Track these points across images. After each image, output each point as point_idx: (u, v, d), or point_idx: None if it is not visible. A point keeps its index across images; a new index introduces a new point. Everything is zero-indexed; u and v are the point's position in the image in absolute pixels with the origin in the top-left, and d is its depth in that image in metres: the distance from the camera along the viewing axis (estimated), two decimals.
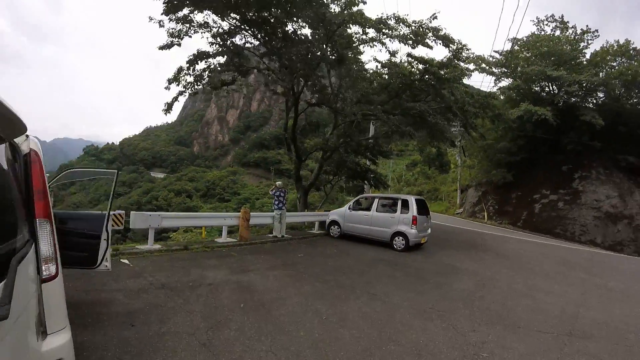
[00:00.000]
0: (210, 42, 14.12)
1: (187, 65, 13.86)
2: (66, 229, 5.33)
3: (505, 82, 32.28)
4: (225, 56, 14.45)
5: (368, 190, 29.04)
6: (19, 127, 1.98)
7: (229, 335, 5.11)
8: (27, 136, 2.68)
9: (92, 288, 6.67)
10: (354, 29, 14.56)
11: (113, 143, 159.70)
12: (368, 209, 15.15)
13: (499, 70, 31.60)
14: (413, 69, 16.08)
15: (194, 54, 14.08)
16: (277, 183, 14.28)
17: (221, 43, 14.19)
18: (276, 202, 14.06)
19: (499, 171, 32.07)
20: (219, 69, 14.45)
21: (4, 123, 1.81)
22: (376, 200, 14.97)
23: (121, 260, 8.94)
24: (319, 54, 14.04)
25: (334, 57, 14.38)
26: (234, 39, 14.43)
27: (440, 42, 14.73)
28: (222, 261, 9.55)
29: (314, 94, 16.54)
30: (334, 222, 15.98)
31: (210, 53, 14.19)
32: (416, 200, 14.23)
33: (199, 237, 15.43)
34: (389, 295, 7.65)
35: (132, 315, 5.54)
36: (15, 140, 2.47)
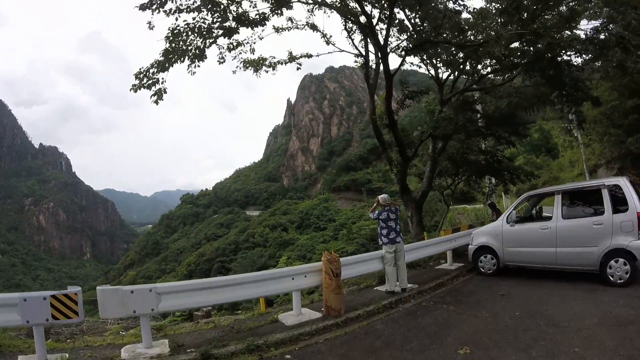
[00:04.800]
0: None
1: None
2: None
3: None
4: None
5: (492, 196, 21.59)
6: None
7: None
8: None
9: None
10: None
11: (207, 189, 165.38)
12: (545, 217, 8.83)
13: None
14: None
15: None
16: (380, 197, 7.97)
17: None
18: (384, 231, 7.77)
19: (636, 137, 23.58)
20: None
21: None
22: (558, 199, 8.26)
23: None
24: None
25: None
26: None
27: None
28: None
29: (412, 33, 10.18)
30: (483, 249, 9.39)
31: None
32: (631, 183, 7.83)
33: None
34: None
35: None
36: None
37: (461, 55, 11.25)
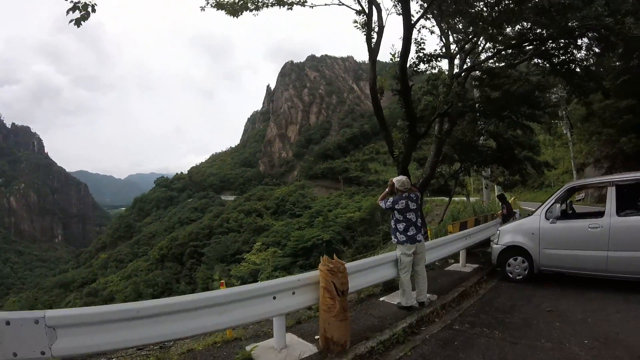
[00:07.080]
0: None
1: None
2: None
3: None
4: None
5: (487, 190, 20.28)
6: None
7: None
8: None
9: None
10: None
11: (182, 172, 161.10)
12: (595, 213, 7.20)
13: None
14: None
15: None
16: (395, 180, 5.86)
17: None
18: (400, 226, 5.69)
19: (629, 138, 23.05)
20: None
21: None
22: (612, 192, 6.52)
23: None
24: None
25: None
26: None
27: None
28: None
29: None
30: (512, 250, 7.57)
31: None
32: None
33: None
34: None
35: None
36: None
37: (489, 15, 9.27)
